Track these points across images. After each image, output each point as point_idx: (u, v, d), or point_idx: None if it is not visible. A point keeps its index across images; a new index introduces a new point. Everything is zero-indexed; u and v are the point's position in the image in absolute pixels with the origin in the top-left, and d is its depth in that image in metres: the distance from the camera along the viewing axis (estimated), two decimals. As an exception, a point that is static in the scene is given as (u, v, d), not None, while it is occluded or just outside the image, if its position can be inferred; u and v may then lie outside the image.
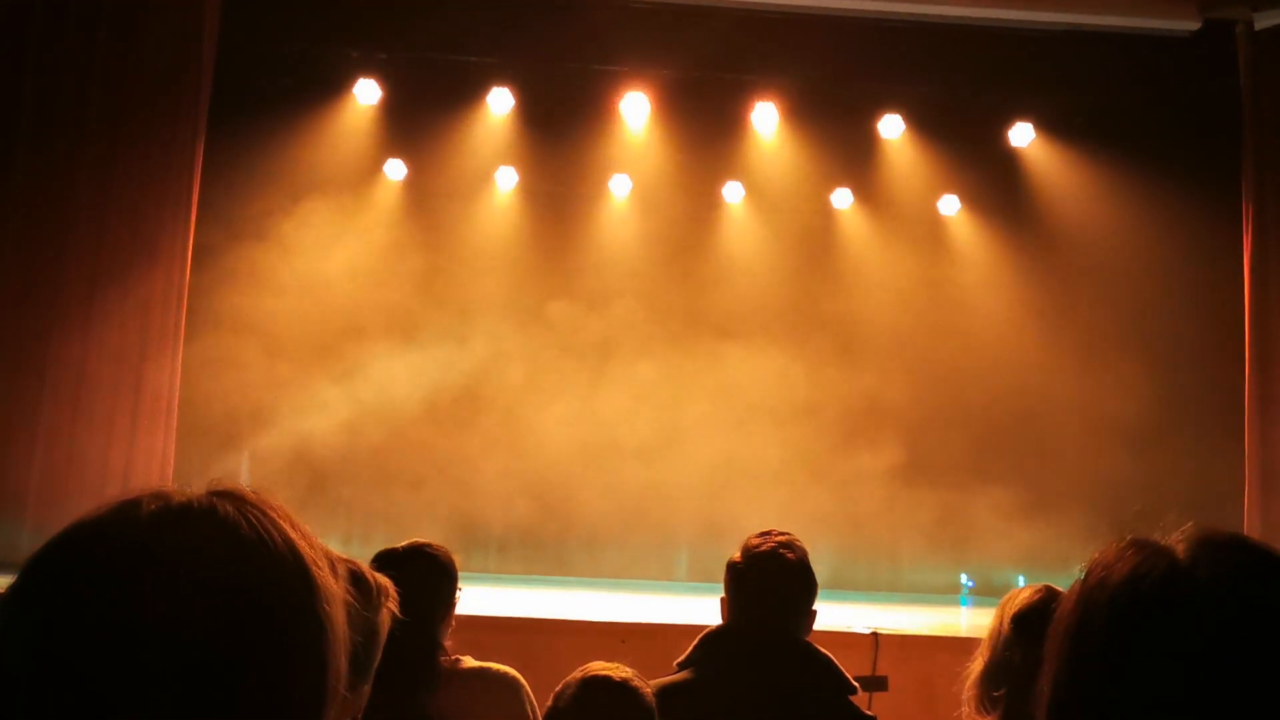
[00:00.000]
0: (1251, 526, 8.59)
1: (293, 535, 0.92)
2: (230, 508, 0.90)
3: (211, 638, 0.84)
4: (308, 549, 0.93)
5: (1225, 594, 0.93)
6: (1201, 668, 0.91)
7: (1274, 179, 8.91)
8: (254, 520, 0.90)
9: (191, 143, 8.65)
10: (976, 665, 2.55)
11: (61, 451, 8.22)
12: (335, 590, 0.94)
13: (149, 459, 8.35)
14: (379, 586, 2.08)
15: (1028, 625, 2.44)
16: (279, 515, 0.93)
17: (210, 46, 8.73)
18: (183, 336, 8.59)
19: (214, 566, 0.86)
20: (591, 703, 2.19)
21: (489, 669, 2.86)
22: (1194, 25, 8.96)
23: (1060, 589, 2.51)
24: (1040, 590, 2.55)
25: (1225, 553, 0.97)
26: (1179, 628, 0.93)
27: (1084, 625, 0.98)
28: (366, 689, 2.07)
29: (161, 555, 0.86)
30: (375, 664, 2.07)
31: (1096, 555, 1.02)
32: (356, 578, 2.04)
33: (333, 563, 0.97)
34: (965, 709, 2.54)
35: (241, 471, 9.98)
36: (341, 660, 0.93)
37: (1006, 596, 2.61)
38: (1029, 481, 10.14)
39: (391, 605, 2.10)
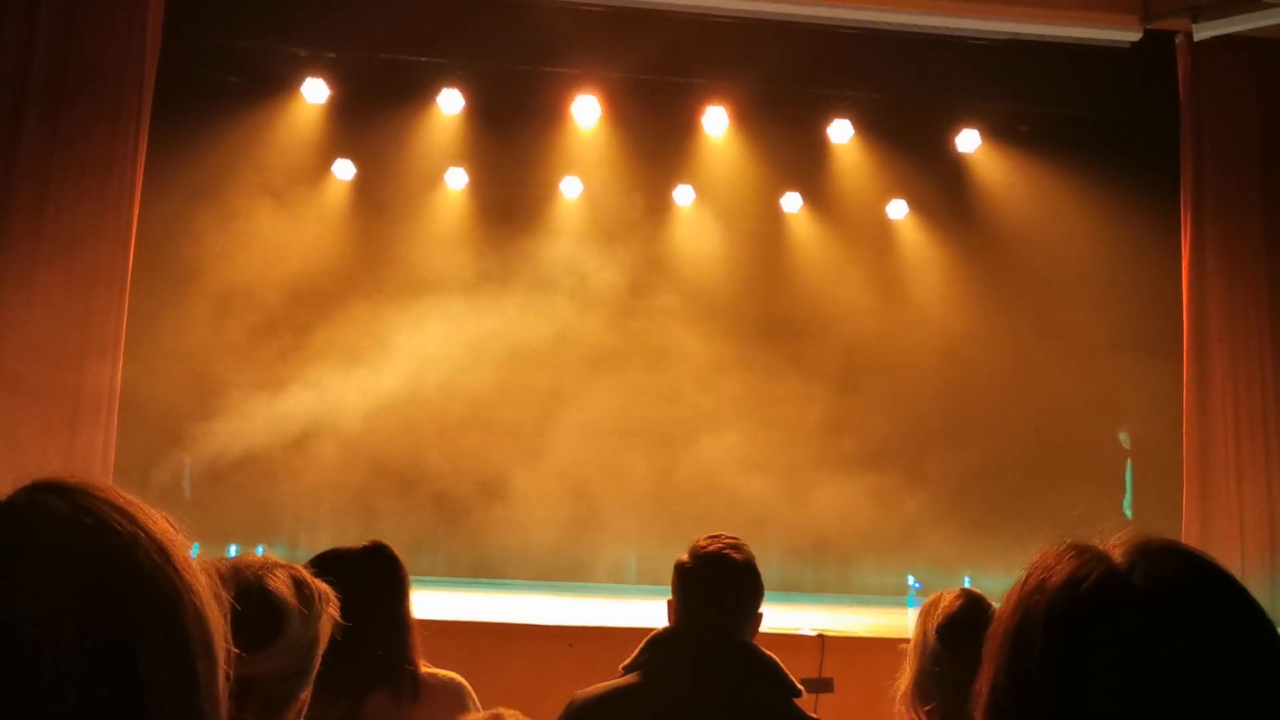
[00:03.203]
0: (1190, 521, 8.77)
1: (133, 511, 0.90)
2: (59, 502, 0.88)
3: (73, 632, 0.82)
4: (152, 522, 0.91)
5: (1161, 599, 0.95)
6: (1138, 671, 0.92)
7: (1211, 186, 9.10)
8: (91, 509, 0.88)
9: (133, 141, 8.47)
10: (905, 677, 2.54)
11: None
12: (188, 552, 0.92)
13: (89, 459, 8.18)
14: (320, 593, 2.08)
15: (953, 634, 2.44)
16: (111, 494, 0.91)
17: (153, 42, 8.57)
18: (124, 336, 8.42)
19: (64, 571, 0.84)
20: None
21: (436, 675, 2.85)
22: (1135, 35, 9.12)
23: (978, 593, 2.52)
24: (959, 596, 2.54)
25: (1161, 558, 0.99)
26: (1116, 631, 0.94)
27: (1023, 629, 0.99)
28: (307, 694, 2.06)
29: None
30: (315, 669, 2.06)
31: (1035, 559, 1.03)
32: (298, 584, 2.03)
33: (174, 526, 0.95)
34: None
35: (184, 471, 9.84)
36: (217, 616, 0.92)
37: (926, 605, 2.59)
38: (976, 480, 10.28)
39: (333, 611, 2.09)
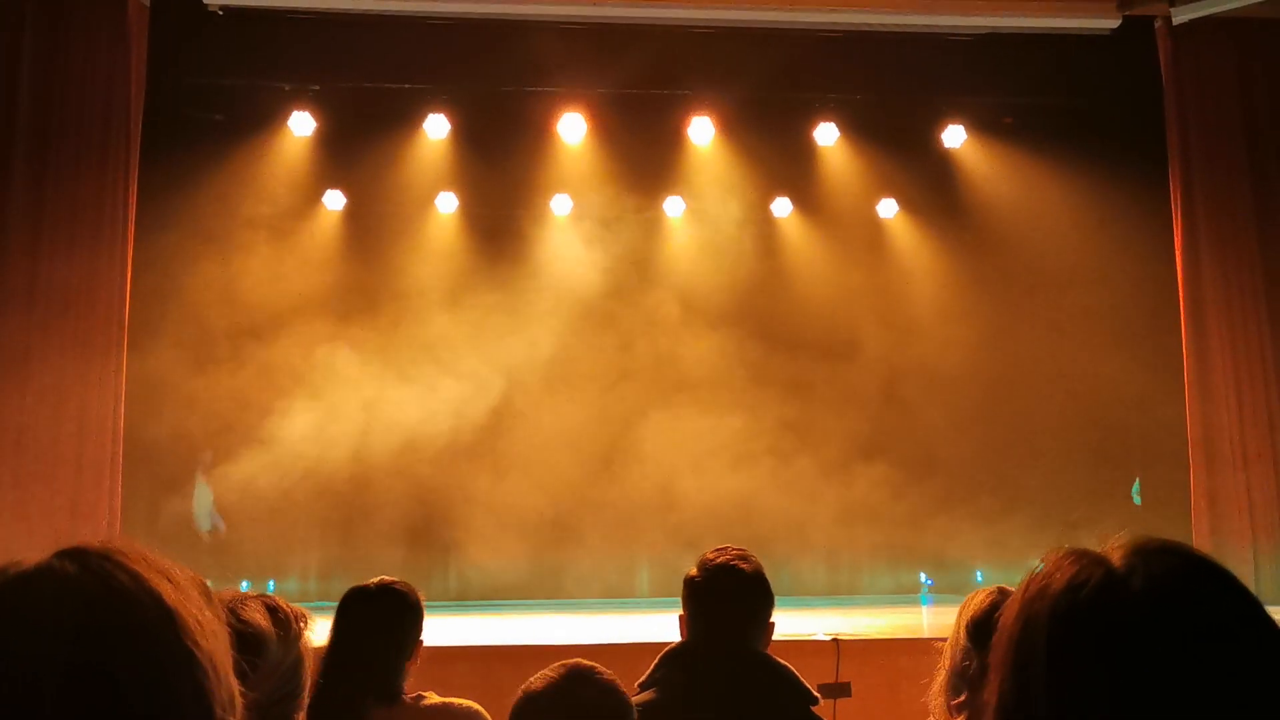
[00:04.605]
0: (1198, 503, 8.77)
1: (148, 577, 0.93)
2: (70, 565, 0.92)
3: (66, 693, 0.85)
4: (169, 588, 0.94)
5: (1160, 600, 0.95)
6: (1140, 674, 0.92)
7: (1199, 167, 9.13)
8: (98, 571, 0.91)
9: (123, 183, 8.51)
10: (940, 675, 2.56)
11: (3, 500, 8.01)
12: (207, 621, 0.95)
13: (95, 504, 8.18)
14: (295, 614, 2.13)
15: (982, 631, 2.46)
16: (132, 561, 0.94)
17: (138, 86, 8.61)
18: (124, 378, 8.43)
19: (56, 625, 0.88)
20: (575, 693, 2.11)
21: (451, 704, 2.86)
22: (1114, 22, 9.16)
23: (1011, 590, 2.54)
24: (992, 593, 2.57)
25: (1159, 560, 0.99)
26: (1116, 635, 0.94)
27: (1026, 636, 0.99)
28: (300, 716, 2.10)
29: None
30: (305, 689, 2.11)
31: (1037, 566, 1.03)
32: (272, 610, 2.09)
33: (208, 595, 0.98)
34: (931, 719, 2.55)
35: (196, 509, 9.84)
36: (224, 688, 0.94)
37: (963, 603, 2.62)
38: (984, 475, 10.27)
39: (310, 630, 2.14)
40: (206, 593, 0.98)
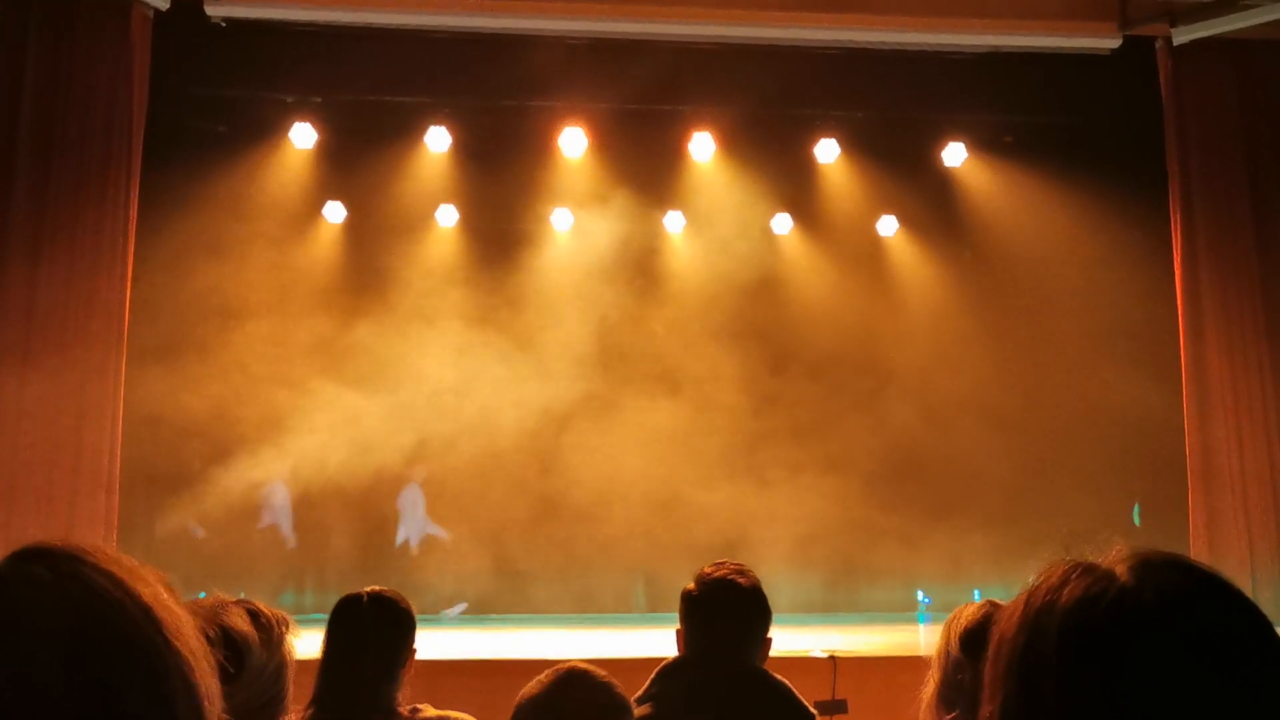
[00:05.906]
0: (1196, 522, 8.76)
1: (123, 577, 0.90)
2: (43, 570, 0.87)
3: (58, 699, 0.82)
4: (144, 587, 0.91)
5: (1174, 614, 0.94)
6: (1153, 686, 0.91)
7: (1199, 187, 9.14)
8: (77, 575, 0.88)
9: (125, 193, 8.50)
10: (929, 689, 2.55)
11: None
12: (182, 617, 0.92)
13: (93, 515, 8.15)
14: (277, 619, 2.12)
15: (976, 644, 2.44)
16: (103, 561, 0.90)
17: (140, 95, 8.61)
18: (123, 391, 8.41)
19: (49, 634, 0.84)
20: (567, 694, 2.12)
21: (448, 717, 2.84)
22: (1115, 42, 9.19)
23: (1001, 604, 2.53)
24: (983, 607, 2.56)
25: (1168, 573, 0.98)
26: (1131, 647, 0.93)
27: (1033, 650, 0.98)
28: None
29: None
30: (289, 694, 2.10)
31: (1036, 579, 1.02)
32: (254, 615, 2.08)
33: (172, 590, 0.95)
34: None
35: (188, 522, 9.82)
36: (206, 680, 0.92)
37: (950, 616, 2.61)
38: (982, 492, 10.26)
39: (291, 634, 2.13)
40: (170, 587, 0.95)
